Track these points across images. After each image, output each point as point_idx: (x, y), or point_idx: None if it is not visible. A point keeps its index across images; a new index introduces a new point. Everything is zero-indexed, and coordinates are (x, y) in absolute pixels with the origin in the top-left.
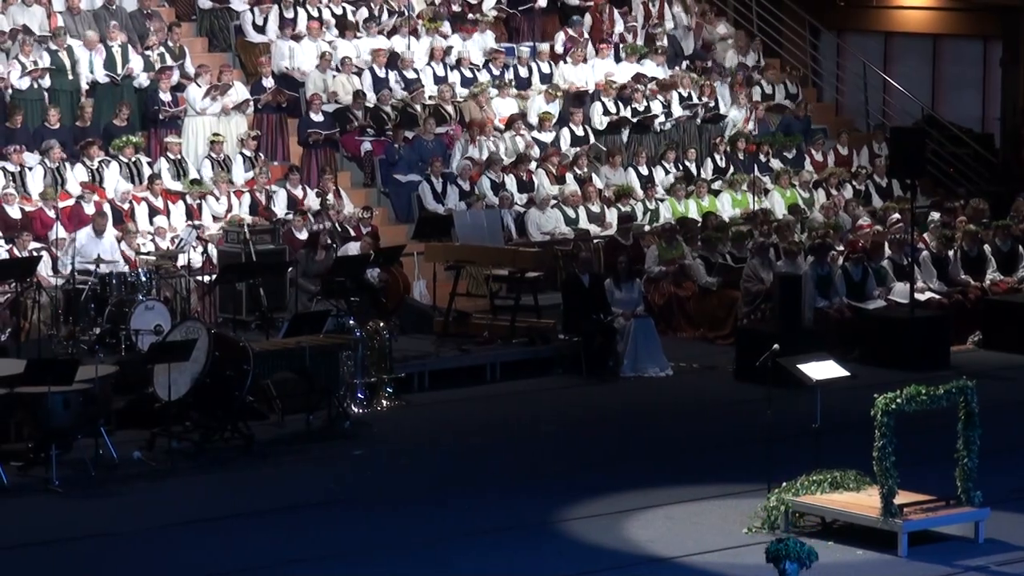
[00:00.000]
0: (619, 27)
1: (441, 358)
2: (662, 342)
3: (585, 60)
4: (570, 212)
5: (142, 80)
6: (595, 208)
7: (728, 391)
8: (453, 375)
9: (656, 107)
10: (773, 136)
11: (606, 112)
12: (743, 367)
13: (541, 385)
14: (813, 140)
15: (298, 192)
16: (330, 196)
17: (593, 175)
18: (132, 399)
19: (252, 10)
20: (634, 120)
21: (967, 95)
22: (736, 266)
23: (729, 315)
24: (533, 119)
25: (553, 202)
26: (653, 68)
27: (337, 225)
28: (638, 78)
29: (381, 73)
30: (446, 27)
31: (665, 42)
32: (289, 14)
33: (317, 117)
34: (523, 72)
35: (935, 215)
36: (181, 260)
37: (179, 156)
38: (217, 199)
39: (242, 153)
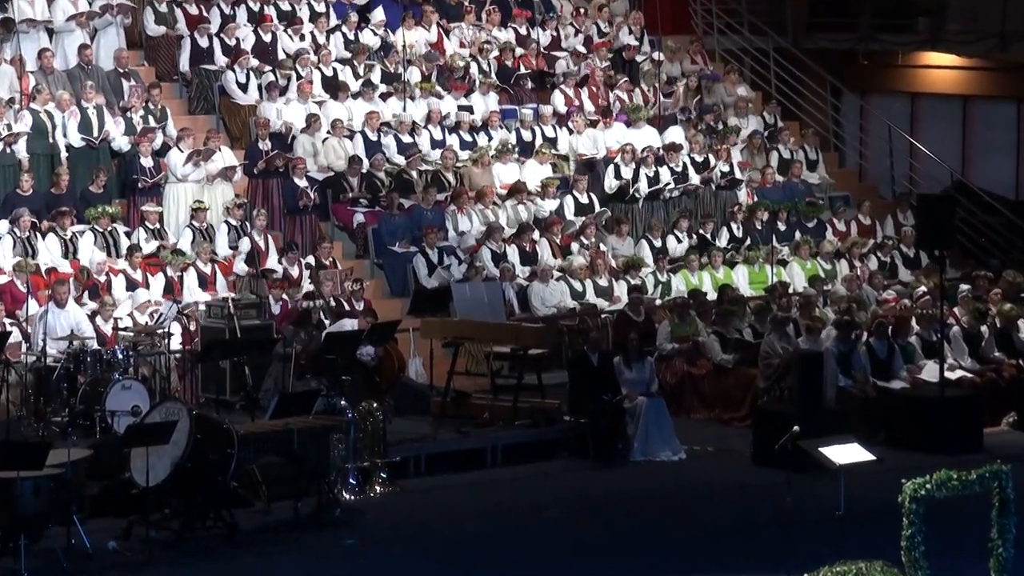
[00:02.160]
0: (616, 97)
1: (438, 441)
2: (675, 424)
3: (593, 125)
4: (576, 285)
5: (121, 144)
6: (603, 281)
7: (745, 476)
8: (451, 459)
9: (665, 174)
10: (794, 205)
11: (618, 176)
12: (761, 450)
13: (545, 470)
14: (836, 209)
15: (294, 270)
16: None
17: (601, 245)
18: (107, 485)
19: (234, 68)
20: (649, 188)
21: (999, 160)
22: (753, 342)
23: (746, 395)
24: (534, 186)
25: (558, 274)
26: (663, 133)
27: (331, 300)
28: (648, 144)
29: (373, 137)
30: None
31: (691, 103)
32: (276, 77)
33: (302, 183)
34: (526, 136)
35: (965, 287)
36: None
37: (156, 225)
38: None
39: (227, 222)
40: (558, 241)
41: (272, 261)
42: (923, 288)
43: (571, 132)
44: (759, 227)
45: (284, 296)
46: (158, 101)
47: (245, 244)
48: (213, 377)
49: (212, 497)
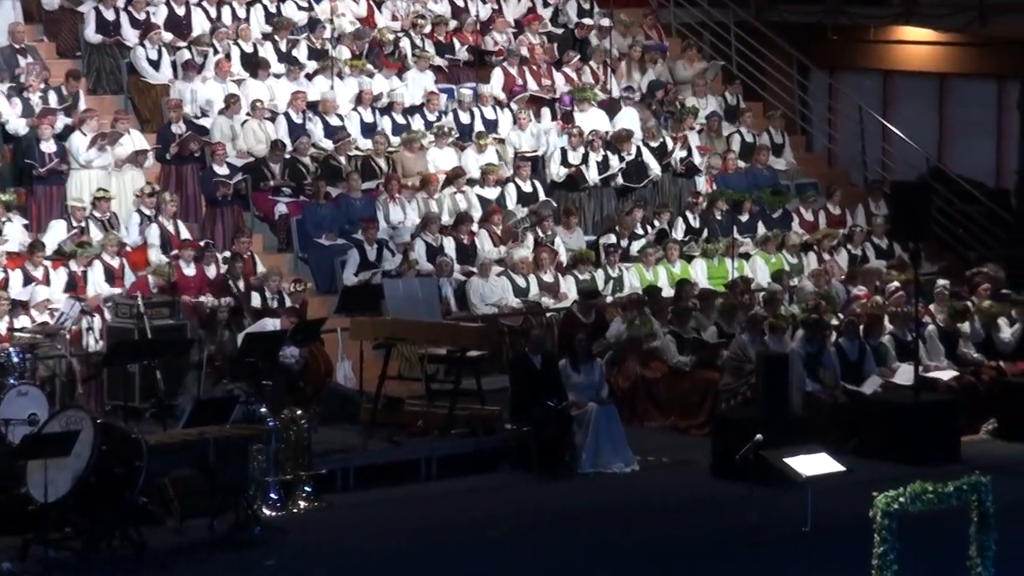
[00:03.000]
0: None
1: (368, 452)
2: (627, 432)
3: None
4: (519, 281)
5: (17, 127)
6: (548, 277)
7: (704, 489)
8: (382, 472)
9: (615, 162)
10: (758, 194)
11: (565, 162)
12: (721, 461)
13: (485, 483)
14: (803, 197)
15: (211, 270)
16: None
17: (559, 239)
18: (1, 501)
19: (144, 44)
20: (599, 175)
21: (979, 144)
22: (712, 342)
23: (704, 401)
24: (475, 172)
25: (499, 269)
26: (614, 117)
27: (271, 294)
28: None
29: (298, 119)
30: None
31: (637, 81)
32: (191, 54)
33: (222, 170)
34: (464, 118)
35: (942, 282)
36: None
37: (108, 215)
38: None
39: (139, 211)
40: (499, 232)
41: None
42: (897, 284)
43: (515, 122)
44: (719, 217)
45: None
46: (60, 80)
47: (154, 233)
48: (120, 382)
49: (118, 514)
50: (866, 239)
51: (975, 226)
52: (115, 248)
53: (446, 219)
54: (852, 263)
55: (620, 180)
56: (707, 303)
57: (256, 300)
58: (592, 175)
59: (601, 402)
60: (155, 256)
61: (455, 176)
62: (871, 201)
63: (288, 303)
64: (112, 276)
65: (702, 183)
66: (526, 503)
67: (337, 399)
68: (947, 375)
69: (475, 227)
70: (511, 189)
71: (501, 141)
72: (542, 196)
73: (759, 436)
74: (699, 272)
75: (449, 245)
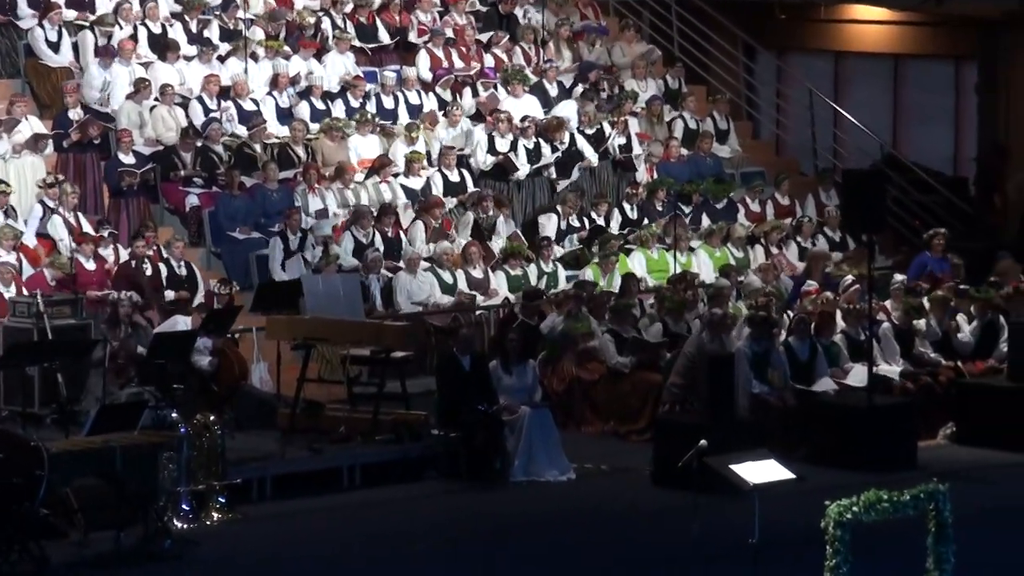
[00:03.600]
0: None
1: (286, 460)
2: (562, 438)
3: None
4: (446, 276)
5: None
6: (477, 272)
7: (645, 498)
8: (302, 481)
9: (547, 151)
10: (699, 183)
11: (492, 150)
12: (663, 469)
13: (411, 492)
14: (751, 187)
15: (109, 254)
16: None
17: (499, 221)
18: None
19: (43, 25)
20: (530, 164)
21: (936, 130)
22: (654, 342)
23: (645, 404)
24: (400, 161)
25: (427, 265)
26: (547, 101)
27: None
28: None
29: (211, 104)
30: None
31: (571, 63)
32: (94, 35)
33: (128, 158)
34: (388, 103)
35: (899, 278)
36: None
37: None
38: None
39: (43, 202)
40: (436, 225)
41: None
42: (850, 279)
43: (445, 115)
44: (660, 208)
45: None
46: None
47: (56, 225)
48: (19, 386)
49: (17, 527)
50: (817, 231)
51: (932, 217)
52: (11, 242)
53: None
54: (802, 257)
55: (553, 173)
56: (662, 302)
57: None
58: (522, 163)
59: (534, 406)
60: (63, 251)
61: (381, 165)
62: (822, 191)
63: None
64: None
65: (642, 173)
66: (454, 514)
67: (253, 403)
68: (896, 372)
69: (403, 219)
70: (437, 179)
71: (426, 127)
72: (471, 187)
73: (703, 442)
74: (637, 266)
75: (375, 239)
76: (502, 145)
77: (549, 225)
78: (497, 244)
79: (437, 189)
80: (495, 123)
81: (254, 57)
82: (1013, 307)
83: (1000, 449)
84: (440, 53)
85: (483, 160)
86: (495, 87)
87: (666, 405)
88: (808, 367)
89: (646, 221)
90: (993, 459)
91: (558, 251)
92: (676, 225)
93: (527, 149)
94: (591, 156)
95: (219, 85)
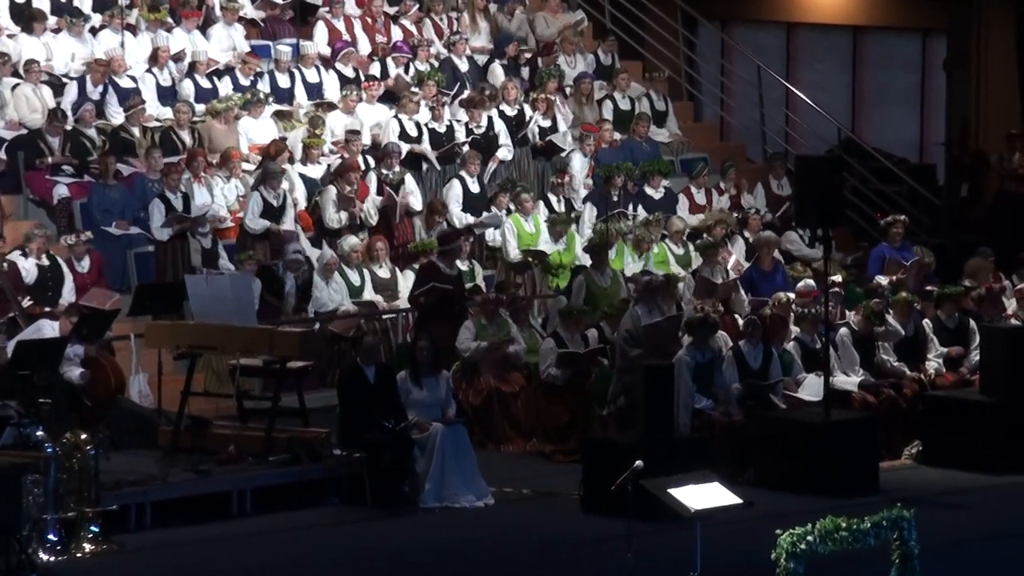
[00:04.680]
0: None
1: (169, 484)
2: (480, 458)
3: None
4: (353, 277)
5: None
6: (383, 272)
7: (573, 526)
8: (186, 507)
9: (461, 134)
10: (618, 167)
11: (403, 135)
12: (593, 493)
13: (310, 520)
14: (695, 174)
15: None
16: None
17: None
18: None
19: None
20: (435, 149)
21: (900, 112)
22: (584, 351)
23: (574, 421)
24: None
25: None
26: (459, 78)
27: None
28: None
29: (83, 83)
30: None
31: (488, 36)
32: None
33: None
34: (283, 81)
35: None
36: None
37: None
38: None
39: None
40: (351, 192)
41: None
42: (807, 280)
43: (349, 95)
44: (615, 199)
45: None
46: None
47: None
48: None
49: None
50: (766, 225)
51: (895, 209)
52: None
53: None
54: (750, 256)
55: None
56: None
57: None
58: (430, 148)
59: (448, 422)
60: None
61: (276, 152)
62: (772, 179)
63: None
64: None
65: (579, 163)
66: (358, 543)
67: (130, 420)
68: (855, 383)
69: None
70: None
71: (326, 105)
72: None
73: (639, 463)
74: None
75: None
76: (412, 128)
77: (464, 217)
78: (415, 203)
79: None
80: (407, 105)
81: (131, 30)
82: (986, 310)
83: (972, 470)
84: (341, 25)
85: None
86: (407, 65)
87: (611, 405)
88: (760, 377)
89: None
90: (964, 482)
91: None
92: (609, 213)
93: (440, 133)
94: (505, 143)
95: (91, 60)
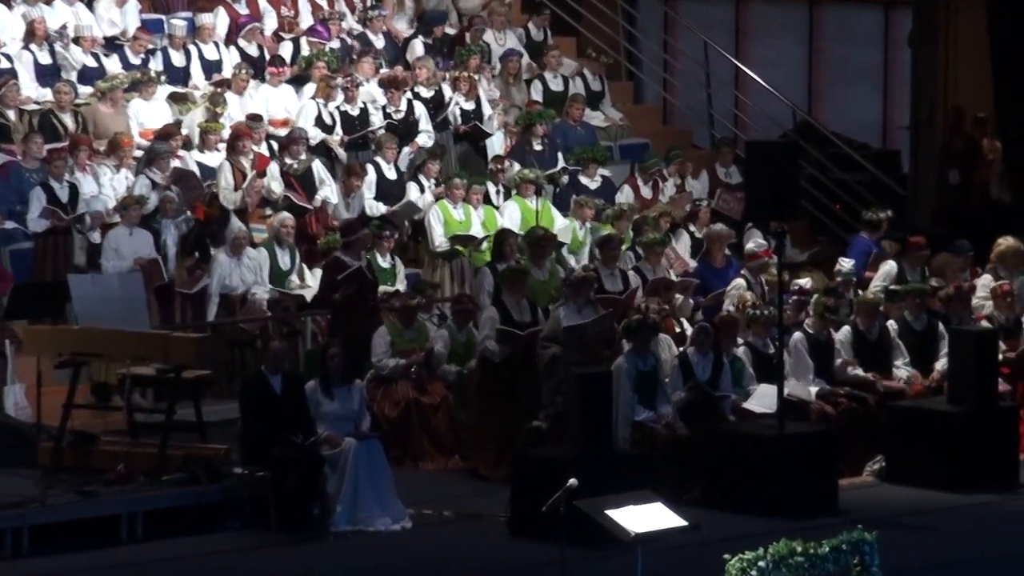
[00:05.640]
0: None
1: (49, 507)
2: (397, 477)
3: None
4: (283, 259)
5: None
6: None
7: (500, 552)
8: (69, 531)
9: (377, 118)
10: (540, 113)
11: (320, 123)
12: (522, 515)
13: (208, 546)
14: (644, 165)
15: None
16: None
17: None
18: None
19: None
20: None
21: (861, 92)
22: (527, 332)
23: (502, 434)
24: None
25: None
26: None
27: None
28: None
29: None
30: None
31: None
32: None
33: None
34: (178, 60)
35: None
36: None
37: None
38: None
39: None
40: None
41: None
42: (760, 239)
43: (235, 72)
44: (515, 188)
45: None
46: None
47: None
48: None
49: None
50: (715, 218)
51: (856, 199)
52: None
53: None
54: (695, 252)
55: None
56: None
57: None
58: (343, 132)
59: (362, 437)
60: None
61: (166, 135)
62: (719, 167)
63: None
64: None
65: (497, 144)
66: (262, 572)
67: (5, 435)
68: (811, 393)
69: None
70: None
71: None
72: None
73: (573, 480)
74: (509, 220)
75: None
76: (328, 116)
77: (377, 206)
78: (323, 194)
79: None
80: (327, 91)
81: (5, 2)
82: (954, 311)
83: (939, 488)
84: None
85: (311, 135)
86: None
87: (542, 416)
88: (711, 386)
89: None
90: (931, 501)
91: None
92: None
93: (353, 116)
94: (426, 129)
95: None
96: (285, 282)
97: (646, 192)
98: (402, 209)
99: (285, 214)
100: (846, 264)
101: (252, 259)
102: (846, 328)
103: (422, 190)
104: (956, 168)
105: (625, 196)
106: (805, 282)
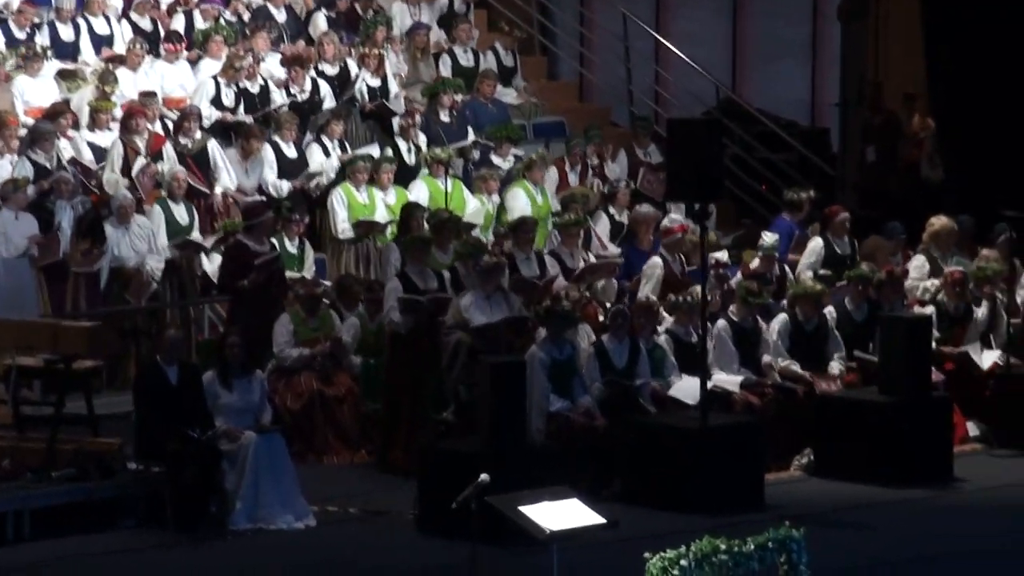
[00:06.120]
0: None
1: None
2: (300, 472)
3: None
4: (179, 212)
5: None
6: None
7: (408, 551)
8: None
9: (279, 96)
10: (444, 81)
11: (218, 102)
12: (431, 512)
13: (100, 546)
14: (570, 144)
15: None
16: None
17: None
18: None
19: None
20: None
21: (788, 68)
22: (430, 296)
23: (412, 426)
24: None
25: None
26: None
27: None
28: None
29: None
30: None
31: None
32: None
33: None
34: (66, 34)
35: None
36: None
37: None
38: None
39: None
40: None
41: None
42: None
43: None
44: (425, 169)
45: None
46: None
47: None
48: None
49: None
50: (635, 200)
51: (783, 180)
52: None
53: None
54: (615, 235)
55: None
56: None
57: None
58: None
59: (263, 430)
60: None
61: (55, 114)
62: (637, 147)
63: None
64: None
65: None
66: (158, 572)
67: None
68: (735, 383)
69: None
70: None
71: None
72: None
73: (484, 476)
74: (420, 195)
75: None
76: (228, 97)
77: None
78: (223, 183)
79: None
80: (232, 72)
81: None
82: (886, 297)
83: (870, 482)
84: None
85: (207, 115)
86: (218, 18)
87: (450, 410)
88: (626, 376)
89: None
90: (862, 496)
91: None
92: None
93: (254, 94)
94: (330, 104)
95: None
96: (189, 233)
97: (573, 179)
98: (307, 178)
99: (177, 167)
100: (768, 238)
101: (142, 227)
102: (783, 317)
103: (327, 153)
104: (873, 145)
105: (550, 180)
106: (722, 255)
